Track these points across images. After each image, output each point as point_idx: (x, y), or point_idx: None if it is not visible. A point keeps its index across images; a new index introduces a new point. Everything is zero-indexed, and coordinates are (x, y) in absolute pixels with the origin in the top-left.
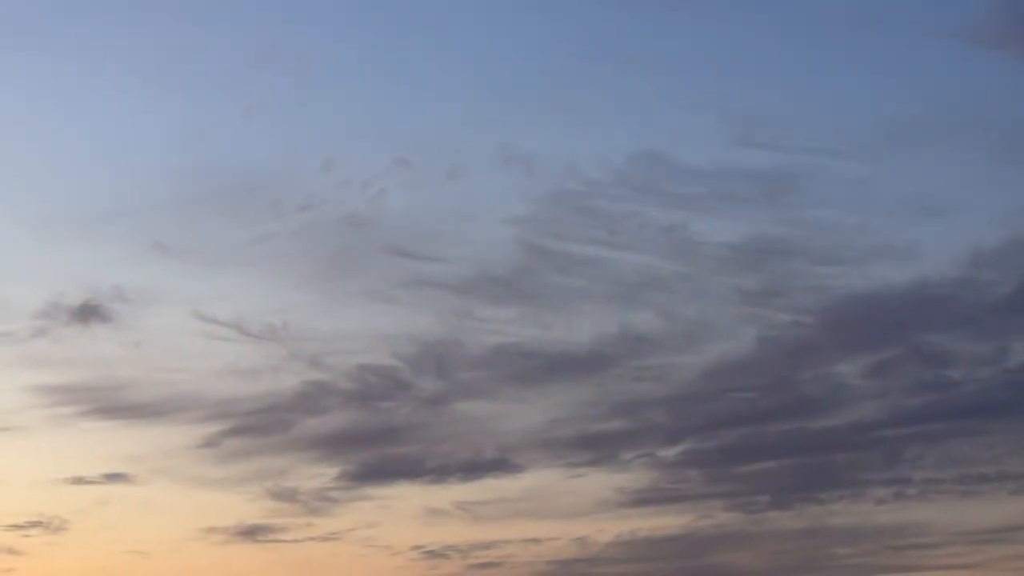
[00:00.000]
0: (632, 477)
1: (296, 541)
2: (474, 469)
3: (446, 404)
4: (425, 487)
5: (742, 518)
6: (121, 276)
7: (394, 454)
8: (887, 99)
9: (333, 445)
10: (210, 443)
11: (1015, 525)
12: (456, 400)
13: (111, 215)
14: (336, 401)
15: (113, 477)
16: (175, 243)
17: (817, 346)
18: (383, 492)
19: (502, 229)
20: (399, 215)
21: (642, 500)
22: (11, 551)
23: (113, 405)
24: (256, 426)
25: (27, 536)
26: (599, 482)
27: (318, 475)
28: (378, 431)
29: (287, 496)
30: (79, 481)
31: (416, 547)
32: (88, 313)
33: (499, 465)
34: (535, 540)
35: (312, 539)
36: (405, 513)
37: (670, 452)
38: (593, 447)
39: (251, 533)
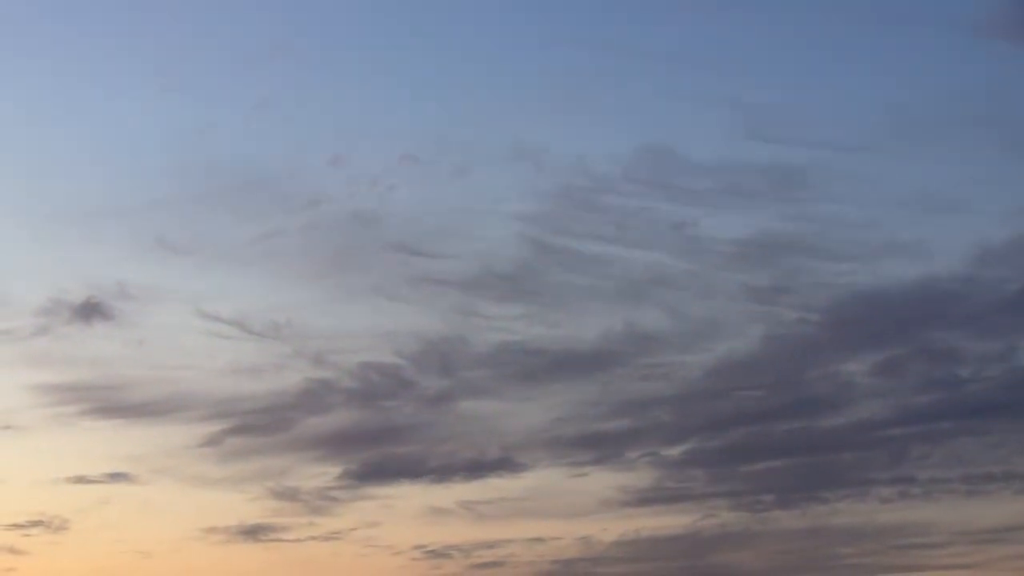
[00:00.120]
0: (636, 476)
1: (298, 541)
2: (477, 468)
3: (450, 403)
4: (427, 486)
5: (746, 517)
6: (123, 273)
7: (397, 453)
8: (896, 94)
9: (335, 444)
10: (212, 442)
11: (1020, 525)
12: (460, 399)
13: (114, 212)
14: (339, 400)
15: (114, 476)
16: (178, 240)
17: (824, 344)
18: (385, 491)
19: (509, 226)
20: (406, 212)
21: (646, 499)
22: (12, 550)
23: (115, 404)
24: (258, 425)
25: (28, 535)
26: (603, 481)
27: (320, 474)
28: (381, 430)
29: (289, 495)
30: (80, 480)
31: (418, 547)
32: (90, 311)
33: (502, 464)
34: (538, 540)
35: (314, 539)
36: (407, 513)
37: (674, 451)
38: (597, 446)
39: (253, 533)
